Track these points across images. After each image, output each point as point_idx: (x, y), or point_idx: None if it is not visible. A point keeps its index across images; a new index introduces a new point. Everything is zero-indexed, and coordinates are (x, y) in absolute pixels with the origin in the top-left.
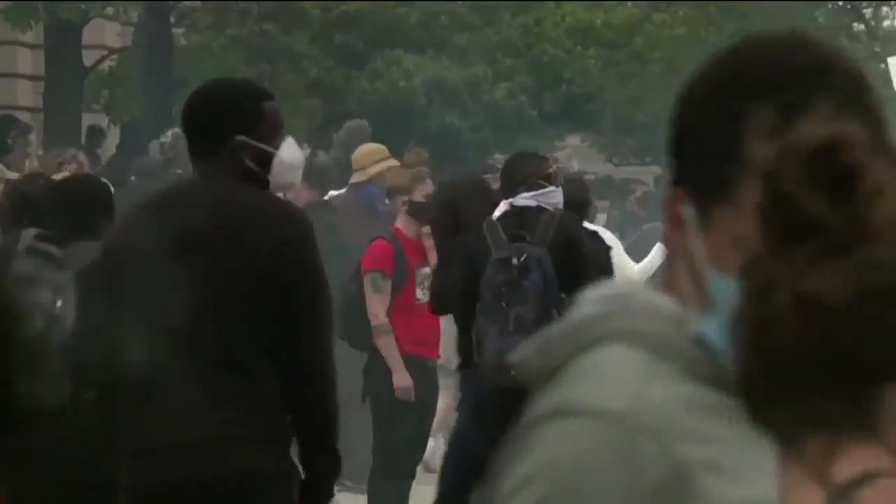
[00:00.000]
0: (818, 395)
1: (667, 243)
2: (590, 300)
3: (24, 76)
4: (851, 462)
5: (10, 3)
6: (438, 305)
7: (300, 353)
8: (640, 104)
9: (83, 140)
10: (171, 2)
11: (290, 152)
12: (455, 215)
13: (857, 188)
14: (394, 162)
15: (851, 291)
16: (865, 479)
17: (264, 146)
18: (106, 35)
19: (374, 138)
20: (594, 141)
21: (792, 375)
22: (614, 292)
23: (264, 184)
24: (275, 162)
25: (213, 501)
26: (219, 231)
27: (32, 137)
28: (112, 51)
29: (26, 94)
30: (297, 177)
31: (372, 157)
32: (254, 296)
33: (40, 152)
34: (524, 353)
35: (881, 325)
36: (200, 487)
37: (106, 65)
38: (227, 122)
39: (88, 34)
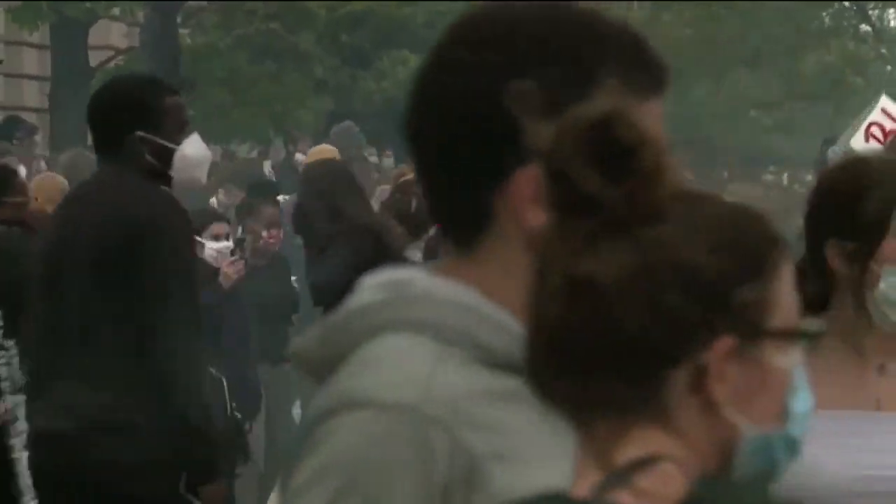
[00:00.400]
0: (604, 378)
1: (527, 229)
2: (368, 287)
3: (30, 77)
4: (636, 446)
5: (17, 3)
6: (318, 297)
7: (156, 345)
8: None
9: (90, 141)
10: (177, 1)
11: (194, 148)
12: (330, 202)
13: (634, 165)
14: None
15: (627, 272)
16: (644, 462)
17: (165, 142)
18: (112, 35)
19: (381, 139)
20: None
21: (574, 358)
22: (392, 279)
23: (167, 180)
24: (177, 157)
25: (95, 488)
26: (86, 225)
27: (38, 138)
28: (119, 51)
29: (32, 95)
30: (202, 173)
31: (310, 158)
32: (114, 288)
33: (47, 153)
34: (303, 343)
35: (659, 307)
36: (81, 474)
37: (112, 65)
38: (128, 118)
39: (95, 35)
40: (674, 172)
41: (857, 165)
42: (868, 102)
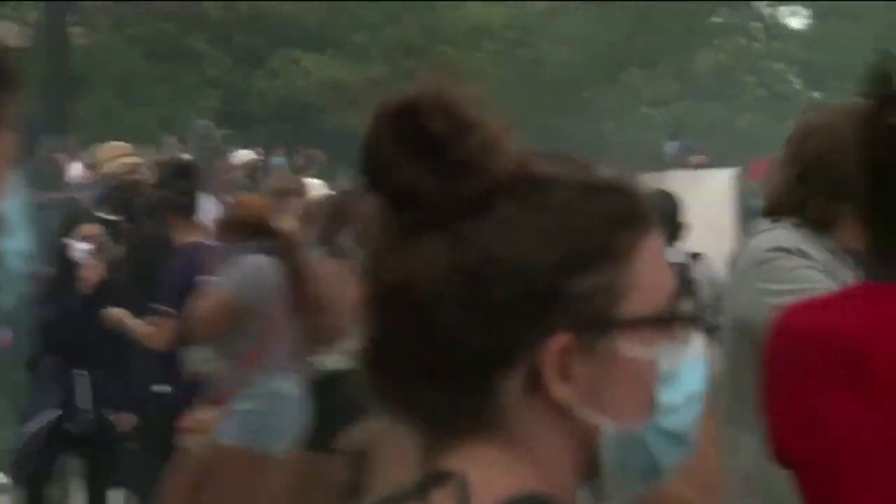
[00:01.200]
0: (431, 388)
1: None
2: None
3: None
4: (455, 459)
5: None
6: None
7: None
8: (539, 107)
9: None
10: (68, 1)
11: None
12: None
13: (450, 154)
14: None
15: (442, 271)
16: (440, 479)
17: None
18: (2, 34)
19: (273, 138)
20: None
21: (398, 368)
22: None
23: None
24: None
25: None
26: None
27: None
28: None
29: None
30: None
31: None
32: None
33: None
34: None
35: (477, 308)
36: None
37: None
38: None
39: None
40: (507, 158)
41: None
42: (759, 99)
